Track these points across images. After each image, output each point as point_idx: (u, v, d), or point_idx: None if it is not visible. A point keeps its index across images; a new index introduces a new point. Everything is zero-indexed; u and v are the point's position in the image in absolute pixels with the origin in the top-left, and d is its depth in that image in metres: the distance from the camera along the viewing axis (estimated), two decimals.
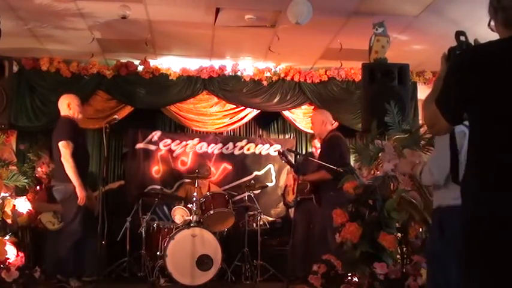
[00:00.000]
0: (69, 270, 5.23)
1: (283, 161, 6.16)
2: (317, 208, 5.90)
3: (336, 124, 6.22)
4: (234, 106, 7.37)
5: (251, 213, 6.49)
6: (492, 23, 1.91)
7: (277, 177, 7.44)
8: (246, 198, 6.47)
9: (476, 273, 1.78)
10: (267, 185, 7.12)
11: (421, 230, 4.14)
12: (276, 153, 7.50)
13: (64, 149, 5.23)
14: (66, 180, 5.24)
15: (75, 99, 5.58)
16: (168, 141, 7.39)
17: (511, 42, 1.83)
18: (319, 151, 5.98)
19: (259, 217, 6.31)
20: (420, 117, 6.86)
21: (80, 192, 5.18)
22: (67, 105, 5.46)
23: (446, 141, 3.16)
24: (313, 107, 7.38)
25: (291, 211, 6.62)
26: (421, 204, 3.82)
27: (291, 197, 6.30)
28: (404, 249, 4.26)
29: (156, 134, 7.37)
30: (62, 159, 5.23)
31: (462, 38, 1.92)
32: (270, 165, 7.52)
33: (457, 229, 2.99)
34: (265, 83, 7.20)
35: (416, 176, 3.39)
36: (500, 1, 1.85)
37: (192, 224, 5.81)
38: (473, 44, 1.95)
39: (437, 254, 3.13)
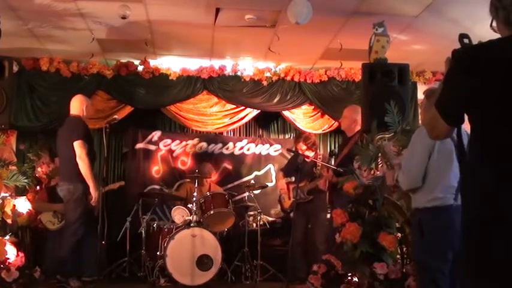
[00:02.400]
0: (69, 270, 5.23)
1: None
2: (315, 209, 5.92)
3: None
4: (234, 106, 7.36)
5: (251, 213, 6.50)
6: (494, 24, 1.90)
7: (277, 177, 7.43)
8: (246, 198, 6.47)
9: (477, 273, 1.78)
10: (267, 185, 7.11)
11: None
12: (277, 153, 7.53)
13: (80, 148, 5.24)
14: (75, 180, 5.25)
15: (89, 103, 5.72)
16: (168, 141, 7.39)
17: (510, 40, 1.83)
18: (306, 153, 5.95)
19: (259, 217, 6.31)
20: (420, 117, 6.86)
21: (94, 192, 5.22)
22: (85, 107, 5.52)
23: (417, 143, 3.19)
24: (313, 107, 7.38)
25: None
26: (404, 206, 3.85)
27: (287, 203, 6.29)
28: (404, 249, 4.27)
29: (156, 134, 7.38)
30: (78, 159, 5.22)
31: (466, 41, 1.90)
32: (270, 165, 7.53)
33: (437, 229, 3.08)
34: (265, 83, 7.20)
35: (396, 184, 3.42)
36: (501, 0, 1.85)
37: (192, 224, 5.82)
38: None
39: (421, 256, 3.17)
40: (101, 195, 5.29)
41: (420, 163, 3.14)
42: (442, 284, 3.06)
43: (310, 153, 5.99)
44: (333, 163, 5.51)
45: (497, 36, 1.90)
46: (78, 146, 5.24)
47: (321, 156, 5.99)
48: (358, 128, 5.44)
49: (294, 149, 6.42)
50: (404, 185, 3.29)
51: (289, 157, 7.34)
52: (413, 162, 3.18)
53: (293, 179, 6.30)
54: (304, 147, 6.03)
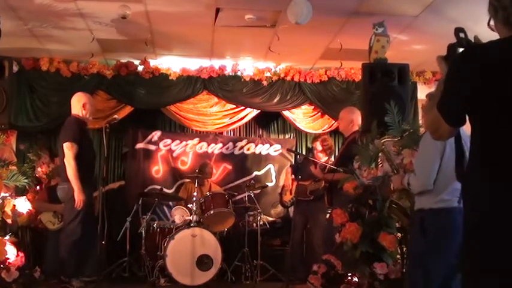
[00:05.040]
0: (71, 271, 5.23)
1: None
2: (315, 209, 5.91)
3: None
4: (234, 106, 7.37)
5: (251, 213, 6.50)
6: (492, 22, 1.90)
7: (277, 177, 7.44)
8: (246, 198, 6.47)
9: (478, 273, 1.78)
10: (267, 185, 7.13)
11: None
12: (277, 153, 7.54)
13: (68, 150, 5.22)
14: (68, 181, 5.25)
15: (91, 100, 5.59)
16: (168, 141, 7.40)
17: (511, 41, 1.82)
18: (319, 154, 5.97)
19: (259, 217, 6.32)
20: (420, 117, 6.86)
21: (78, 196, 5.15)
22: (82, 105, 5.42)
23: (429, 145, 3.22)
24: (313, 107, 7.39)
25: (291, 210, 6.63)
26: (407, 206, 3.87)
27: (287, 197, 6.32)
28: (404, 249, 4.26)
29: (156, 134, 7.38)
30: (65, 160, 5.22)
31: (461, 35, 1.91)
32: (270, 165, 7.53)
33: (439, 229, 3.13)
34: (265, 83, 7.20)
35: (406, 187, 3.43)
36: (501, 0, 1.84)
37: (192, 224, 5.82)
38: (473, 40, 1.94)
39: (420, 254, 3.21)
40: (101, 194, 5.28)
41: (433, 167, 3.21)
42: (433, 281, 3.12)
43: (324, 157, 6.00)
44: None
45: (495, 34, 1.90)
46: (65, 148, 5.22)
47: (331, 162, 5.97)
48: (356, 128, 5.45)
49: (294, 149, 6.39)
50: (416, 188, 3.32)
51: (289, 157, 7.37)
52: (426, 166, 3.24)
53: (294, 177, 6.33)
54: (320, 147, 6.04)
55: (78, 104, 5.45)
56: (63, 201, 5.42)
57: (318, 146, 6.07)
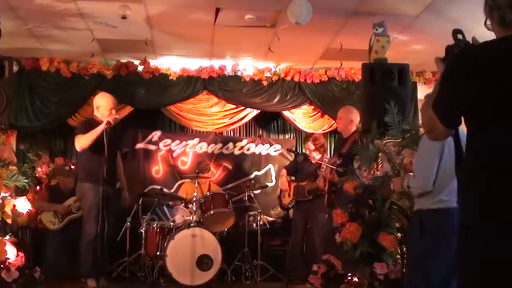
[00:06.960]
0: (87, 270, 5.21)
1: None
2: (315, 209, 5.91)
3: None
4: (234, 106, 7.37)
5: (251, 213, 6.50)
6: (488, 22, 1.90)
7: (277, 177, 7.43)
8: (246, 198, 6.46)
9: (474, 274, 1.78)
10: (267, 185, 7.13)
11: None
12: (277, 153, 7.54)
13: (76, 141, 5.32)
14: (79, 180, 5.43)
15: (106, 102, 5.43)
16: (168, 141, 7.40)
17: (507, 41, 1.82)
18: (313, 153, 5.96)
19: (259, 217, 6.32)
20: (420, 117, 6.86)
21: (103, 125, 5.13)
22: (96, 108, 5.46)
23: (428, 146, 3.23)
24: (313, 107, 7.39)
25: (291, 211, 6.63)
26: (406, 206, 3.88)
27: (287, 200, 6.31)
28: (405, 249, 4.26)
29: (156, 134, 7.38)
30: (76, 145, 5.31)
31: (459, 36, 1.91)
32: (270, 165, 7.53)
33: (437, 230, 3.14)
34: (265, 83, 7.20)
35: (406, 190, 3.44)
36: (496, 0, 1.84)
37: (192, 224, 5.82)
38: (471, 42, 1.94)
39: (420, 254, 3.22)
40: (100, 195, 5.24)
41: (432, 168, 3.22)
42: (433, 282, 3.12)
43: (318, 155, 5.99)
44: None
45: (493, 34, 1.90)
46: (75, 141, 5.35)
47: (327, 159, 5.97)
48: (354, 128, 5.45)
49: (294, 149, 6.36)
50: (416, 190, 3.33)
51: (289, 157, 7.37)
52: (426, 168, 3.25)
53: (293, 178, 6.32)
54: (313, 147, 6.03)
55: (94, 106, 5.50)
56: (79, 201, 5.61)
57: (311, 145, 6.07)
